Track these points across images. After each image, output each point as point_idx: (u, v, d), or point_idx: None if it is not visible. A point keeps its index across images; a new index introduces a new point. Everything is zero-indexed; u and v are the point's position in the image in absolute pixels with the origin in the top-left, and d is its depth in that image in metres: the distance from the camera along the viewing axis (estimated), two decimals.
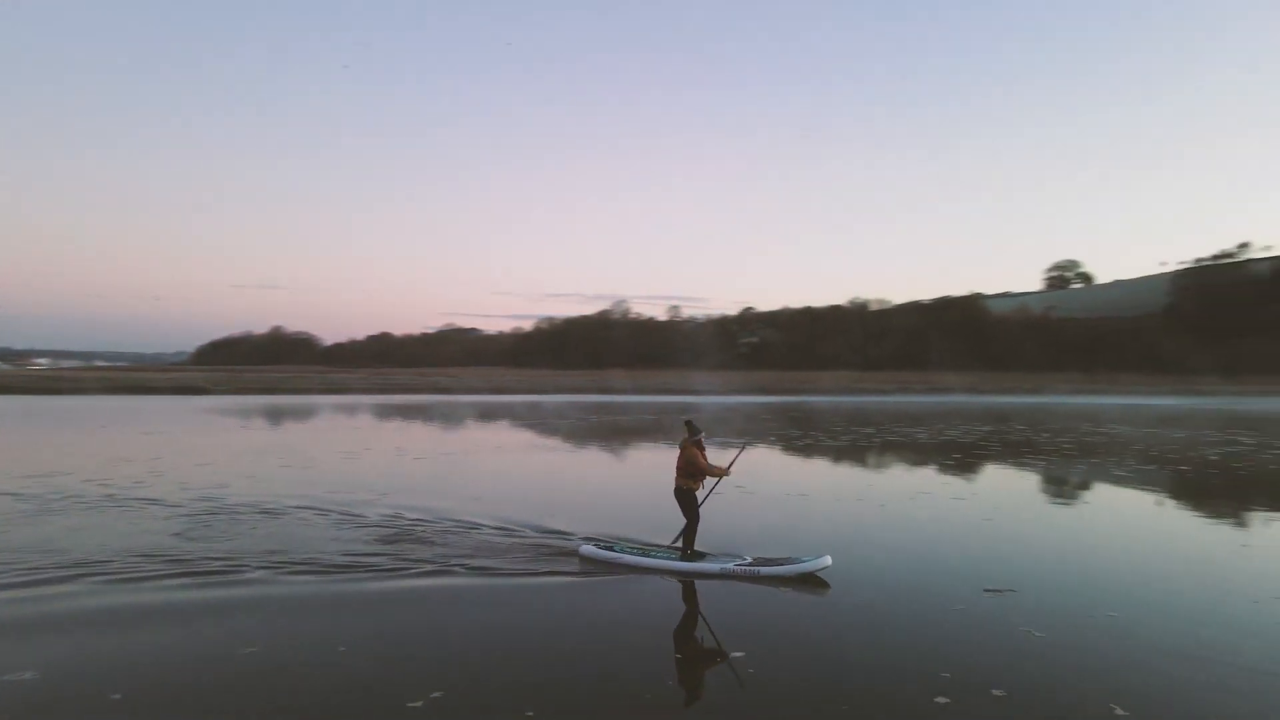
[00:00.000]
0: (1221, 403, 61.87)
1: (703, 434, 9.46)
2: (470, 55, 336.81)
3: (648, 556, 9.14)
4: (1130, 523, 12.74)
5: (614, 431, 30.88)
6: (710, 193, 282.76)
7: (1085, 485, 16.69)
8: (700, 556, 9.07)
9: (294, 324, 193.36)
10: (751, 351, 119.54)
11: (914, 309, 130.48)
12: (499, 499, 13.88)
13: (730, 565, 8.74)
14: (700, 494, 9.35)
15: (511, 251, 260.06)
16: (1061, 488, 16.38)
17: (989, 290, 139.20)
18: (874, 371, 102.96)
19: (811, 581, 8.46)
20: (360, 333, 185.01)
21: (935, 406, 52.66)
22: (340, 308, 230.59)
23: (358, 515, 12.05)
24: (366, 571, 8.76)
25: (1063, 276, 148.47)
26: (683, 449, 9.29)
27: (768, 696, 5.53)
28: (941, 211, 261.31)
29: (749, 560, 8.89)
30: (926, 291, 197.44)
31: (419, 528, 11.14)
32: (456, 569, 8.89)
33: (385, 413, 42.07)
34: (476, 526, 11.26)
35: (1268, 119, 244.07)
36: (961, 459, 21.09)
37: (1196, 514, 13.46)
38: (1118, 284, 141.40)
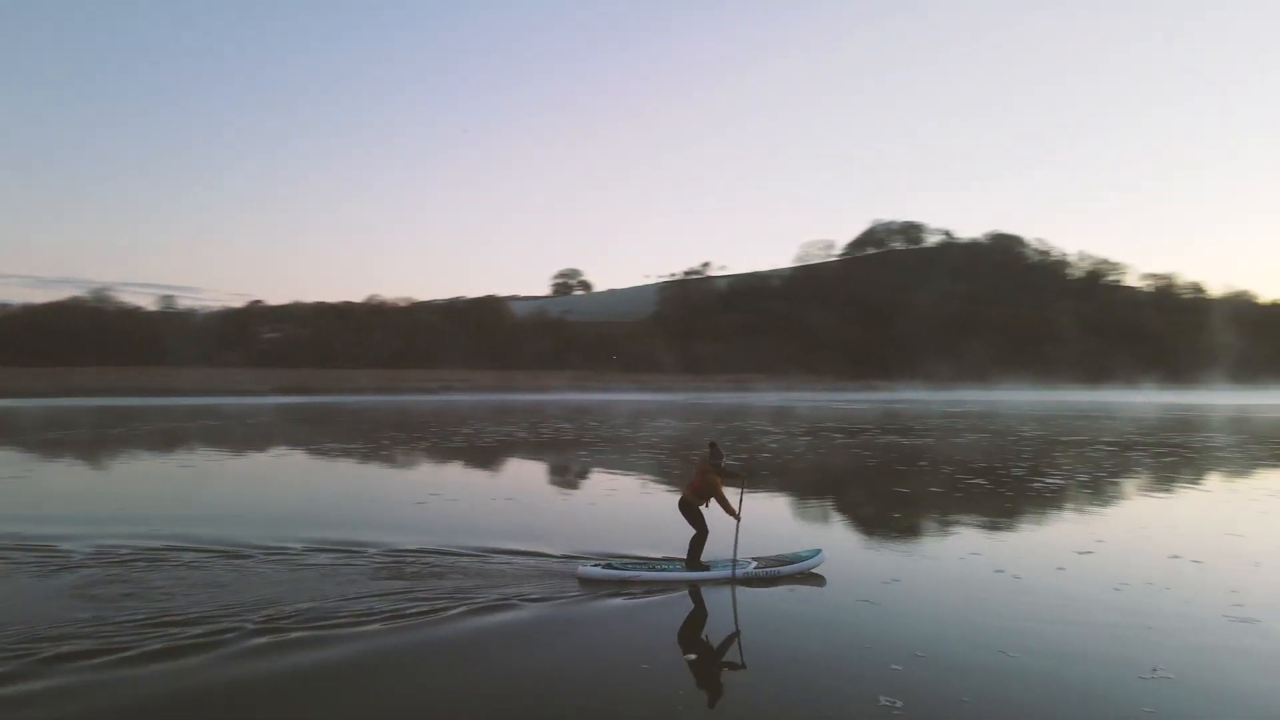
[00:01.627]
0: (696, 397, 74.05)
1: (725, 458, 9.15)
2: None
3: (656, 571, 8.74)
4: (820, 505, 15.22)
5: (171, 440, 27.08)
6: (199, 175, 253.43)
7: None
8: (704, 566, 8.87)
9: None
10: (273, 348, 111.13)
11: (439, 308, 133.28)
12: (182, 514, 11.73)
13: (750, 568, 8.79)
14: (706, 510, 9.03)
15: None
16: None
17: (505, 292, 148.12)
18: (408, 369, 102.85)
19: (811, 578, 8.84)
20: None
21: (496, 404, 54.85)
22: None
23: (54, 555, 9.24)
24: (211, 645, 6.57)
25: (567, 283, 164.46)
26: (704, 471, 8.97)
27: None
28: (461, 214, 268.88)
29: (755, 562, 8.98)
30: (448, 291, 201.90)
31: (174, 559, 8.96)
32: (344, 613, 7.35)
33: None
34: (242, 552, 9.43)
35: (720, 158, 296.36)
36: (592, 454, 22.85)
37: (850, 496, 16.52)
38: (613, 292, 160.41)
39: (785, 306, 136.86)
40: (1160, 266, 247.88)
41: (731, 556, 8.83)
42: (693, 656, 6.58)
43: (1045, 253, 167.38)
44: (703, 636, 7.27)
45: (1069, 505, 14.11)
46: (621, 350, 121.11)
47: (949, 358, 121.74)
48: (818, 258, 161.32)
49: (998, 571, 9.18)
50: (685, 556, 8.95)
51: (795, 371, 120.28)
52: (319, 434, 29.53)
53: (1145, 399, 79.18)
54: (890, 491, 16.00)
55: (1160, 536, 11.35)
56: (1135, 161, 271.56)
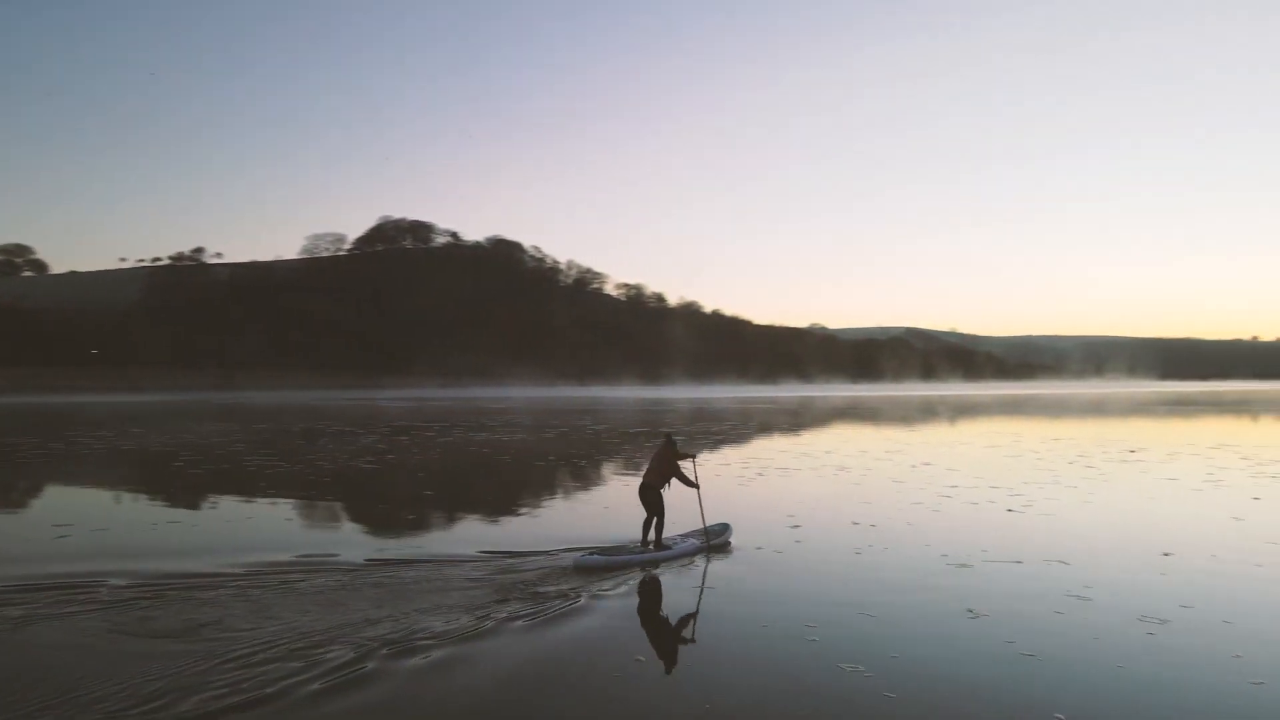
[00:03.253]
0: (205, 396, 67.29)
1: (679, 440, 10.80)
2: None
3: (636, 554, 9.87)
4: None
5: None
6: None
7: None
8: (666, 546, 10.17)
9: None
10: None
11: None
12: None
13: (695, 542, 10.38)
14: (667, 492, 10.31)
15: None
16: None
17: None
18: None
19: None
20: None
21: None
22: None
23: None
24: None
25: (12, 262, 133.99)
26: (668, 457, 10.38)
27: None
28: None
29: (695, 539, 10.50)
30: None
31: None
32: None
33: None
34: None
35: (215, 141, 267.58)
36: (193, 465, 20.09)
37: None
38: (74, 275, 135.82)
39: (294, 299, 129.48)
40: (631, 277, 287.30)
41: (701, 526, 10.75)
42: (641, 659, 6.61)
43: (541, 259, 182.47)
44: (646, 629, 7.52)
45: (739, 489, 16.28)
46: (99, 344, 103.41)
47: (460, 353, 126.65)
48: (327, 251, 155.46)
49: (758, 548, 10.51)
50: (648, 540, 10.26)
51: (306, 366, 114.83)
52: None
53: (642, 394, 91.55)
54: (572, 485, 16.98)
55: (831, 508, 13.81)
56: (611, 184, 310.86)
